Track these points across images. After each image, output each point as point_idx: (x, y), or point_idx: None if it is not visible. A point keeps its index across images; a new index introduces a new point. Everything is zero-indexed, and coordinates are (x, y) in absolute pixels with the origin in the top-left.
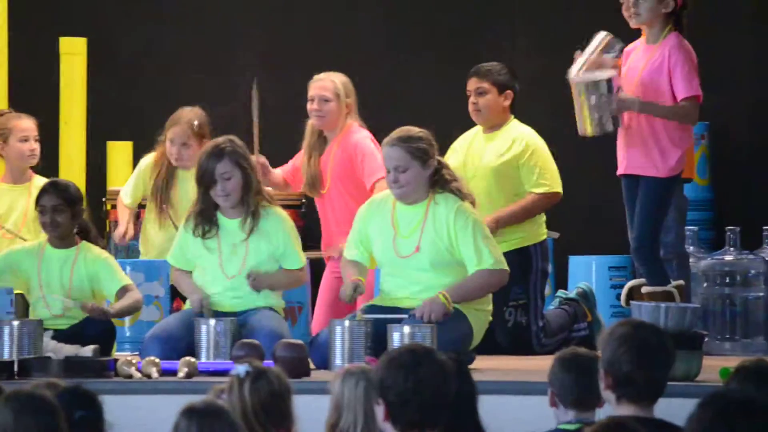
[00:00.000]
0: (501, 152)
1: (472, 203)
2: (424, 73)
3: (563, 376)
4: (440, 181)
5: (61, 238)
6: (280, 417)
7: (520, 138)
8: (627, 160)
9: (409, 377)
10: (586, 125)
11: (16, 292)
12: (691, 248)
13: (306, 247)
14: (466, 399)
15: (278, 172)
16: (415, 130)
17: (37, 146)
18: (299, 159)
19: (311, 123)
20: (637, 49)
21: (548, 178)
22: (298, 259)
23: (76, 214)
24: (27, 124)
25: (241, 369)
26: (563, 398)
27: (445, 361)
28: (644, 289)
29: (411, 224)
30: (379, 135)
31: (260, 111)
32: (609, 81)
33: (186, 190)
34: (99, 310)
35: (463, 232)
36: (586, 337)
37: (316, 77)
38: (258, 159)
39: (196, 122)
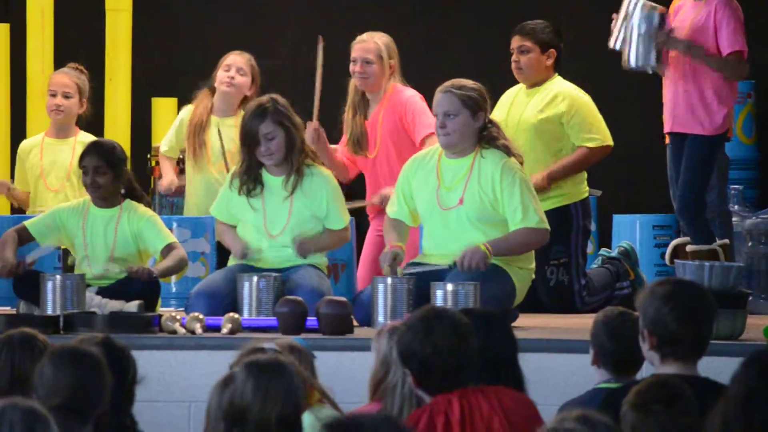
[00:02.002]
0: (541, 108)
1: (521, 163)
2: (464, 34)
3: (604, 339)
4: (488, 137)
5: (103, 199)
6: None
7: (562, 95)
8: (673, 118)
9: (426, 344)
10: (629, 52)
11: (63, 247)
12: (736, 207)
13: (349, 200)
14: (508, 354)
15: (337, 152)
16: (469, 82)
17: (65, 102)
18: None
19: (353, 82)
20: (684, 6)
21: (598, 132)
22: (341, 219)
23: (119, 176)
24: (58, 79)
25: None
26: (604, 360)
27: (459, 320)
28: (689, 248)
29: (456, 176)
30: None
31: (323, 76)
32: (662, 16)
33: (216, 136)
34: (145, 272)
35: (510, 188)
36: (629, 296)
37: (359, 38)
38: (312, 125)
39: (253, 60)
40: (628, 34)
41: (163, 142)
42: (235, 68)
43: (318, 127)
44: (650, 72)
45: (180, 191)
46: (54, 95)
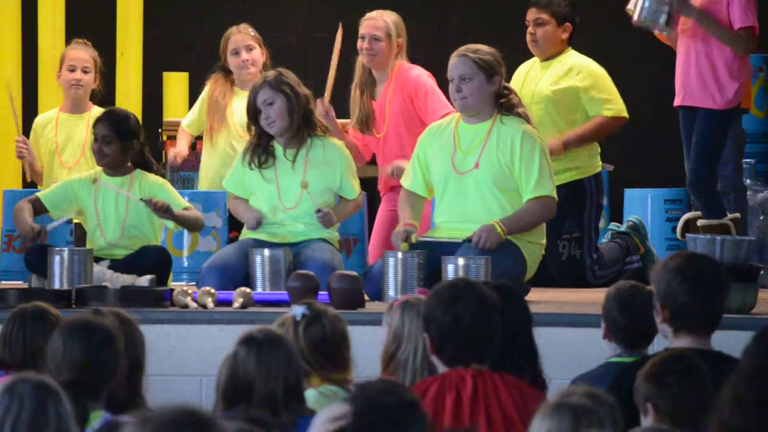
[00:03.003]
0: (556, 80)
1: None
2: (475, 10)
3: (616, 314)
4: (507, 105)
5: (111, 168)
6: (331, 361)
7: (577, 67)
8: (684, 92)
9: (448, 312)
10: (640, 7)
11: (74, 221)
12: (748, 181)
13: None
14: (522, 325)
15: (349, 135)
16: (485, 47)
17: (84, 77)
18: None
19: (361, 59)
20: None
21: (614, 103)
22: (354, 188)
23: (127, 147)
24: (76, 54)
25: (298, 311)
26: (615, 334)
27: (487, 296)
28: (700, 222)
29: (473, 141)
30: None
31: (339, 59)
32: None
33: (241, 108)
34: (163, 205)
35: (530, 154)
36: (638, 269)
37: (367, 15)
38: (323, 105)
39: (251, 30)
40: None
41: (186, 117)
42: (243, 48)
43: (328, 107)
44: (656, 32)
45: (186, 164)
46: (73, 70)
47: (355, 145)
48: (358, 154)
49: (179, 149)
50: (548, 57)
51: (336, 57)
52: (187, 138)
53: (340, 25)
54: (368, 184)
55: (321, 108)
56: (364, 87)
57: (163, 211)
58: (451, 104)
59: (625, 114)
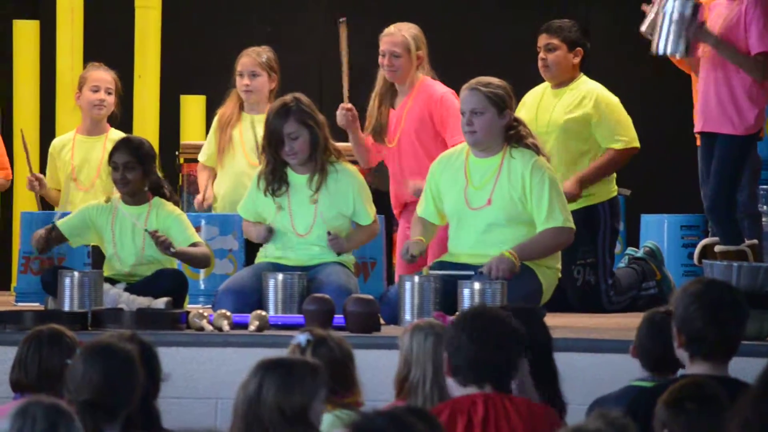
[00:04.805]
0: (570, 108)
1: (548, 160)
2: (494, 24)
3: (644, 336)
4: (516, 136)
5: (132, 195)
6: (342, 383)
7: (590, 95)
8: (704, 118)
9: (463, 336)
10: (658, 38)
11: (92, 245)
12: (765, 207)
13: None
14: (542, 348)
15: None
16: (495, 80)
17: (108, 98)
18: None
19: (382, 72)
20: (720, 5)
21: (625, 133)
22: (369, 213)
23: (148, 172)
24: (100, 75)
25: (302, 338)
26: (642, 356)
27: (512, 328)
28: (717, 248)
29: (484, 176)
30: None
31: (349, 54)
32: (696, 6)
33: (249, 132)
34: (166, 241)
35: (539, 187)
36: (655, 296)
37: (386, 30)
38: (344, 106)
39: (264, 56)
40: (659, 20)
41: (202, 151)
42: (247, 74)
43: (350, 108)
44: (677, 57)
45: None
46: (97, 90)
47: (368, 148)
48: (369, 157)
49: (203, 199)
50: (560, 83)
51: (345, 55)
52: (208, 178)
53: (343, 21)
54: (386, 202)
55: (342, 111)
56: (383, 98)
57: (165, 247)
58: None
59: (635, 144)
